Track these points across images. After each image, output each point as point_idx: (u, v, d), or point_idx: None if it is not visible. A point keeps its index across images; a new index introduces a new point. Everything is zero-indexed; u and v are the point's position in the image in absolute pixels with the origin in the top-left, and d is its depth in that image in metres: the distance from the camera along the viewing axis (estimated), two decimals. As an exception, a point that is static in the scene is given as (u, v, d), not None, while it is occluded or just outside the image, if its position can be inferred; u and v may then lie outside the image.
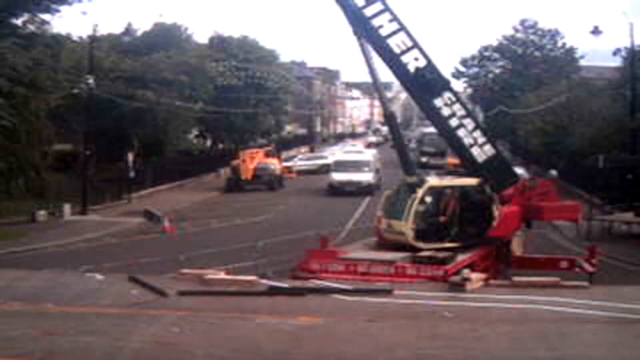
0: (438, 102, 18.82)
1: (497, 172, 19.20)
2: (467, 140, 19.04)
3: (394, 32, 18.39)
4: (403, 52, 18.45)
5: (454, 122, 18.95)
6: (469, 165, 19.50)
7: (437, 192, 18.77)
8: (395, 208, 18.57)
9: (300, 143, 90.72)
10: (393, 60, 18.48)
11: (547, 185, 20.69)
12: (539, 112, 52.94)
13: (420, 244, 17.66)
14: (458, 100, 19.37)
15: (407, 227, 17.73)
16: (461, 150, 19.33)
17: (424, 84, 18.66)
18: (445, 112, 18.89)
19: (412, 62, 18.52)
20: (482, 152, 19.16)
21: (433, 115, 19.27)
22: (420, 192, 18.10)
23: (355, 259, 17.20)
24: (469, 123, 19.21)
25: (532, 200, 19.54)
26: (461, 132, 19.00)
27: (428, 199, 18.42)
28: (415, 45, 18.54)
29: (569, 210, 21.51)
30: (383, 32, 18.39)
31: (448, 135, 19.41)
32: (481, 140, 19.26)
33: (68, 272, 17.50)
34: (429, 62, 18.76)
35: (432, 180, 19.44)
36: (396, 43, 18.40)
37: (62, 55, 35.97)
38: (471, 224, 18.60)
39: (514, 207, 19.05)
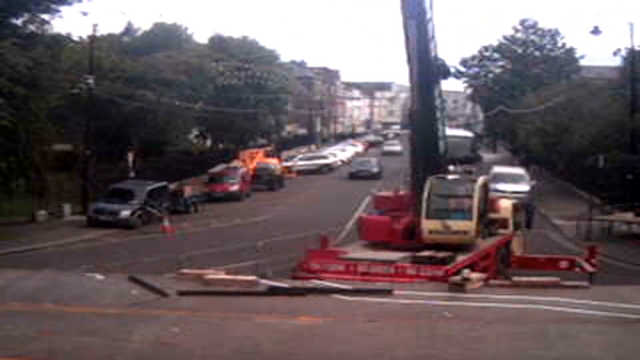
0: (436, 91, 19.67)
1: (443, 165, 19.87)
2: (439, 133, 19.80)
3: (430, 19, 19.39)
4: (432, 38, 19.40)
5: (438, 113, 19.80)
6: (429, 156, 19.68)
7: (483, 190, 18.83)
8: (447, 208, 18.14)
9: (300, 143, 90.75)
10: (425, 43, 19.23)
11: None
12: (539, 112, 52.93)
13: (478, 241, 17.69)
14: (440, 93, 20.20)
15: (472, 226, 17.57)
16: (432, 141, 19.73)
17: (438, 70, 19.54)
18: (437, 102, 19.78)
19: (433, 49, 19.48)
20: (442, 145, 19.99)
21: (427, 104, 19.69)
22: (477, 189, 17.97)
23: (355, 259, 17.18)
24: (440, 117, 20.03)
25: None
26: (439, 124, 19.80)
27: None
28: (434, 36, 19.65)
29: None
30: (427, 16, 19.26)
31: (428, 124, 19.77)
32: (442, 134, 20.09)
33: (68, 272, 17.51)
34: (437, 53, 19.89)
35: (482, 177, 19.42)
36: (430, 29, 19.38)
37: (62, 55, 35.93)
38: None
39: None
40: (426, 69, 19.24)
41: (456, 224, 17.57)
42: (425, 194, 18.04)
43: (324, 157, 68.83)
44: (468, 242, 17.57)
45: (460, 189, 18.26)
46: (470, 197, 17.80)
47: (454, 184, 18.64)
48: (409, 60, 19.24)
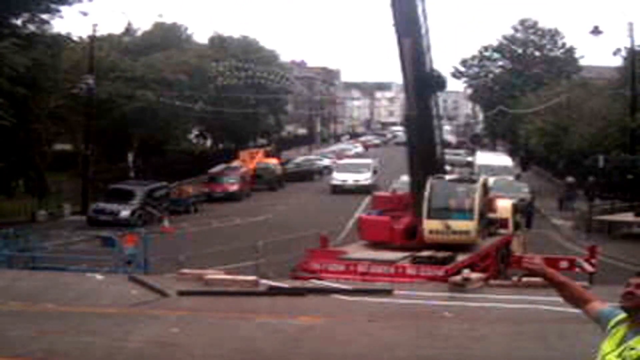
0: (431, 101, 19.85)
1: (438, 169, 19.95)
2: (437, 139, 20.14)
3: (426, 32, 19.50)
4: (428, 51, 19.53)
5: (435, 121, 20.04)
6: (426, 161, 19.77)
7: (482, 190, 18.85)
8: (448, 208, 18.23)
9: (301, 143, 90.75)
10: (422, 56, 19.29)
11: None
12: (539, 112, 52.93)
13: (479, 241, 17.71)
14: (436, 103, 20.48)
15: (472, 226, 17.59)
16: (428, 147, 19.90)
17: (435, 83, 19.70)
18: (434, 112, 20.01)
19: (428, 62, 19.57)
20: (438, 150, 20.36)
21: (422, 114, 19.80)
22: (478, 190, 17.99)
23: (355, 259, 17.18)
24: (437, 124, 20.29)
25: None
26: (436, 132, 20.09)
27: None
28: (430, 47, 19.77)
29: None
30: (422, 30, 19.34)
31: (425, 133, 19.89)
32: (438, 140, 20.41)
33: (68, 272, 17.51)
34: (432, 64, 19.94)
35: (481, 178, 19.46)
36: (425, 43, 19.47)
37: (62, 55, 35.96)
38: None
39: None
40: (422, 82, 19.31)
41: (457, 224, 17.57)
42: (426, 194, 18.04)
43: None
44: (469, 242, 17.58)
45: (460, 189, 18.29)
46: (471, 197, 17.81)
47: (454, 184, 18.67)
48: (404, 70, 19.28)
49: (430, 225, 17.70)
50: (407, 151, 20.49)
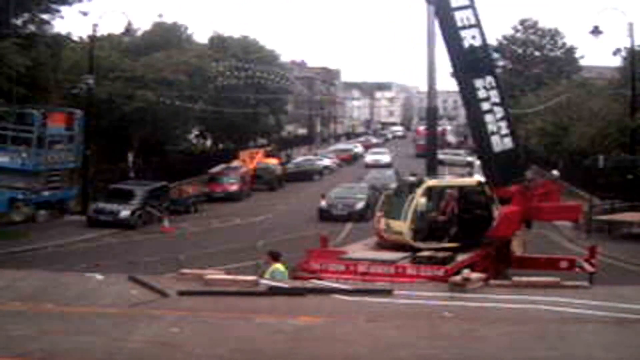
0: (479, 82, 19.09)
1: (506, 166, 19.18)
2: (491, 127, 19.09)
3: (463, 7, 19.03)
4: (464, 27, 18.97)
5: (485, 105, 19.10)
6: (483, 152, 19.61)
7: (436, 192, 18.83)
8: (394, 208, 18.63)
9: (301, 143, 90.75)
10: (452, 32, 19.01)
11: (549, 185, 20.59)
12: (539, 112, 52.93)
13: (419, 244, 17.68)
14: (497, 86, 19.51)
15: (405, 227, 17.75)
16: (481, 136, 19.38)
17: (472, 62, 19.07)
18: (481, 94, 19.08)
19: (469, 39, 19.02)
20: (501, 142, 19.18)
21: (468, 95, 19.39)
22: (418, 191, 18.12)
23: (355, 259, 17.20)
24: (499, 111, 19.28)
25: (533, 200, 19.47)
26: (488, 118, 19.12)
27: (426, 199, 18.47)
28: (478, 24, 19.13)
29: (568, 210, 21.52)
30: (453, 3, 18.97)
31: (475, 117, 19.53)
32: (504, 131, 19.31)
33: (68, 272, 17.50)
34: (485, 43, 19.43)
35: (431, 180, 19.46)
36: (461, 17, 18.97)
37: (62, 55, 35.96)
38: (470, 224, 18.63)
39: (514, 207, 18.93)
40: (460, 61, 19.07)
41: (396, 224, 18.10)
42: (386, 193, 19.66)
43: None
44: (404, 243, 17.81)
45: (409, 190, 18.46)
46: (410, 198, 18.02)
47: (410, 184, 18.88)
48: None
49: (381, 223, 18.81)
50: (425, 152, 20.63)
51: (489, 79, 19.29)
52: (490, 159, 19.16)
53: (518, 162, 20.08)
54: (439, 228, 18.35)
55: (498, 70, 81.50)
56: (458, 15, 18.92)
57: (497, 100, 19.26)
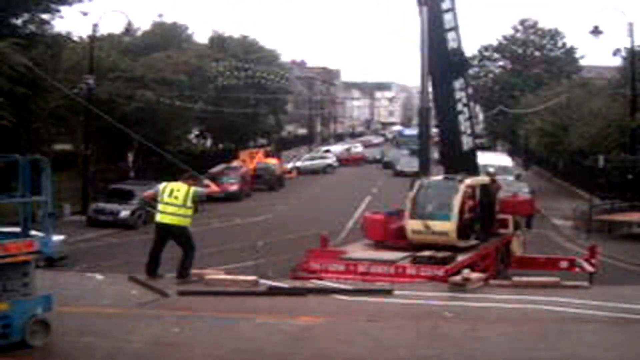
0: (457, 84, 19.76)
1: (472, 164, 20.08)
2: (462, 127, 19.89)
3: (450, 10, 19.60)
4: (449, 30, 19.58)
5: (459, 106, 19.83)
6: (452, 152, 19.81)
7: (470, 191, 18.86)
8: (429, 208, 18.23)
9: (301, 143, 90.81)
10: (440, 34, 19.47)
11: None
12: (539, 112, 52.94)
13: (461, 243, 17.67)
14: (467, 87, 20.36)
15: (452, 227, 17.59)
16: (452, 136, 19.92)
17: (454, 64, 19.69)
18: (457, 95, 19.81)
19: (451, 41, 19.64)
20: (468, 141, 20.17)
21: (445, 97, 19.84)
22: (461, 191, 17.99)
23: (355, 259, 17.18)
24: (466, 112, 20.13)
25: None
26: (460, 118, 19.84)
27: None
28: (457, 27, 19.76)
29: (522, 206, 21.83)
30: (443, 5, 19.53)
31: (448, 118, 19.93)
32: (469, 130, 20.29)
33: (68, 272, 17.49)
34: (460, 45, 19.94)
35: (468, 179, 19.41)
36: (447, 19, 19.58)
37: (62, 55, 35.93)
38: (486, 220, 18.89)
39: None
40: (443, 63, 19.44)
41: (436, 225, 17.70)
42: (412, 194, 18.33)
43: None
44: (449, 244, 17.62)
45: (444, 190, 18.32)
46: (452, 197, 17.86)
47: (440, 184, 18.73)
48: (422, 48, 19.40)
49: (412, 225, 17.98)
50: (417, 149, 20.74)
51: (462, 80, 20.12)
52: (458, 158, 19.67)
53: (475, 159, 20.93)
54: (468, 226, 18.37)
55: (498, 70, 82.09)
56: (445, 17, 19.47)
57: (465, 101, 20.14)
